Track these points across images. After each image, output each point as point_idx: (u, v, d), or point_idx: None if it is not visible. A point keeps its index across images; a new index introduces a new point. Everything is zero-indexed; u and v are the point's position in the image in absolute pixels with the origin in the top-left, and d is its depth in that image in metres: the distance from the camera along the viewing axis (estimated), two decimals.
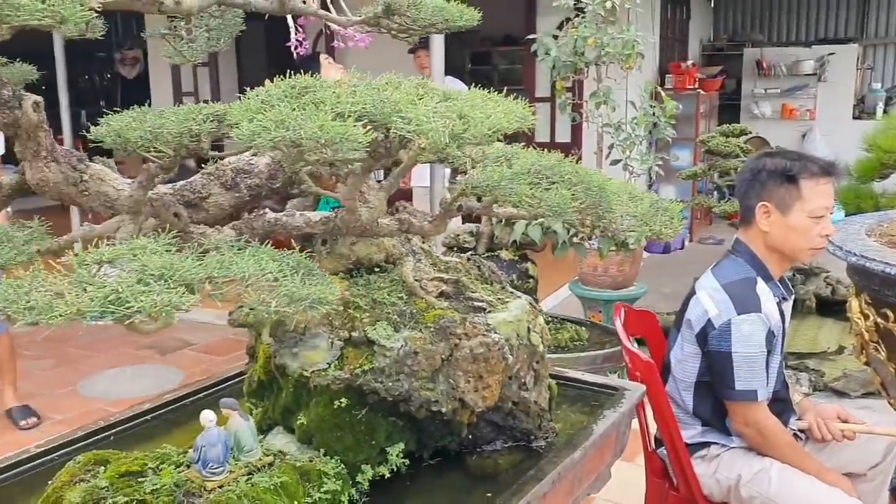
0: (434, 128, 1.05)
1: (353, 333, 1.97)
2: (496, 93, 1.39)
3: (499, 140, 1.27)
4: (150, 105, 1.52)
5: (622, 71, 4.74)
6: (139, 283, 0.90)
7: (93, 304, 0.86)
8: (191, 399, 2.53)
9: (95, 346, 6.06)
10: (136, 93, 10.65)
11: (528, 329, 2.18)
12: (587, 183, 1.43)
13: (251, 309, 1.01)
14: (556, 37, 4.93)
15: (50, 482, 1.81)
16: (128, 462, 1.84)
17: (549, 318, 3.69)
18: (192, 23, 2.06)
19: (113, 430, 2.30)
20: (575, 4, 4.75)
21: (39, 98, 1.57)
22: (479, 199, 1.54)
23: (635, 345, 2.96)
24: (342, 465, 1.94)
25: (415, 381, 1.94)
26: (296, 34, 3.63)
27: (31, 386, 5.17)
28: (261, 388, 2.16)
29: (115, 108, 1.53)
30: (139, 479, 1.76)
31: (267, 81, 1.28)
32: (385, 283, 2.13)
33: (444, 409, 1.96)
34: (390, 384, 1.92)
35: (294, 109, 1.04)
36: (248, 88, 1.25)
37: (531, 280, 3.47)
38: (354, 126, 1.02)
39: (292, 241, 2.07)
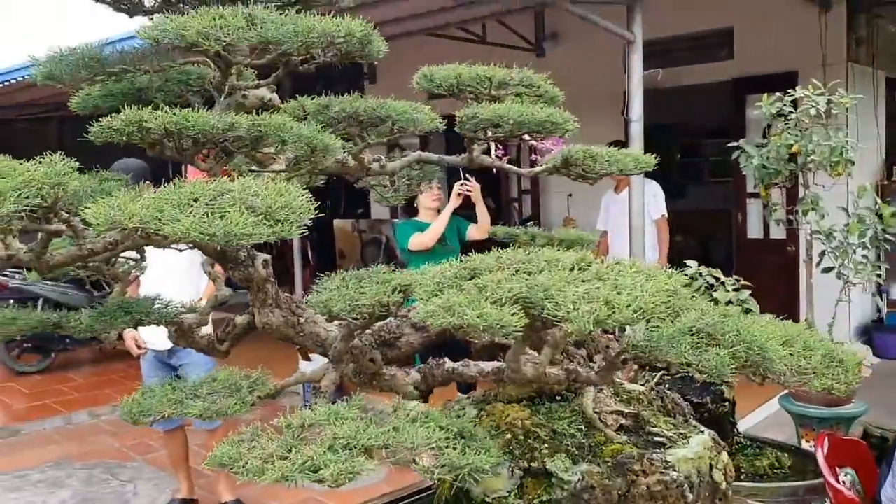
0: (579, 315, 1.17)
1: (533, 464, 2.08)
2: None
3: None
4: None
5: (831, 177, 4.57)
6: (330, 450, 1.10)
7: (293, 469, 1.07)
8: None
9: None
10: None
11: (711, 466, 2.17)
12: (749, 342, 1.47)
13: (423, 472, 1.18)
14: (760, 145, 4.86)
15: None
16: None
17: (747, 442, 3.55)
18: (394, 176, 2.35)
19: None
20: (778, 112, 4.68)
21: (267, 256, 1.88)
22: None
23: (848, 476, 2.81)
24: None
25: None
26: (495, 152, 4.09)
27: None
28: None
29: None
30: None
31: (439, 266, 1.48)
32: (566, 414, 2.23)
33: None
34: None
35: (461, 291, 1.22)
36: None
37: (726, 403, 3.38)
38: (510, 312, 1.17)
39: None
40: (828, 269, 4.87)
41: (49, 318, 1.87)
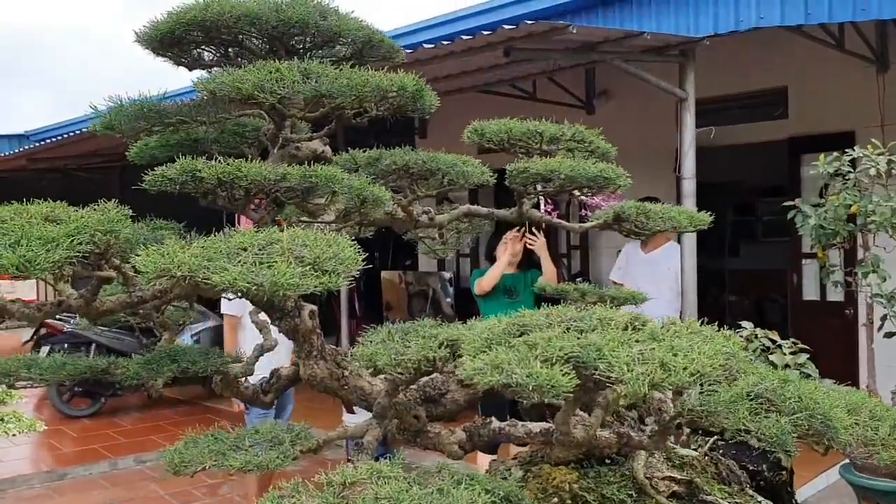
0: (634, 376, 1.13)
1: None
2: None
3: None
4: None
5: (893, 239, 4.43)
6: None
7: None
8: None
9: None
10: None
11: None
12: (812, 409, 1.40)
13: None
14: (817, 205, 4.75)
15: None
16: None
17: None
18: (442, 228, 2.34)
19: None
20: (836, 171, 4.58)
21: (314, 307, 1.87)
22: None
23: None
24: None
25: None
26: (544, 207, 4.16)
27: None
28: None
29: None
30: None
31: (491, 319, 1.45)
32: (615, 478, 2.15)
33: None
34: None
35: (510, 348, 1.18)
36: None
37: (783, 472, 3.24)
38: (560, 372, 1.14)
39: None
40: (890, 335, 4.69)
41: (98, 363, 1.88)
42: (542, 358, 1.18)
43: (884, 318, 4.69)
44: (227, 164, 1.41)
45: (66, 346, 8.53)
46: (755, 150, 9.56)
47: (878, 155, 4.55)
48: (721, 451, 3.29)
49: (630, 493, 2.10)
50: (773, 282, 11.31)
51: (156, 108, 1.69)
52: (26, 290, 12.35)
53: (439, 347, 1.39)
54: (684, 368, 1.14)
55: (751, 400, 1.45)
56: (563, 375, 1.14)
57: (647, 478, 2.11)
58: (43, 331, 8.98)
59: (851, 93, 7.92)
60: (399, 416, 1.66)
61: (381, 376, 1.82)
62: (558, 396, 1.14)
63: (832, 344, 8.72)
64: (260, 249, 1.19)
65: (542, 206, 5.48)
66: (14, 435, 3.21)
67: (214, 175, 1.39)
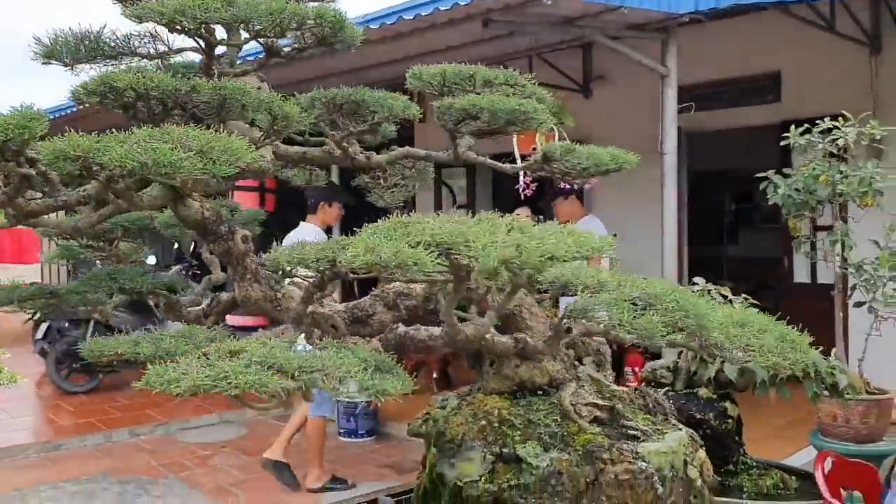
0: (486, 254, 1.23)
1: (505, 449, 2.11)
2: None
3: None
4: None
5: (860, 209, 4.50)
6: (246, 367, 1.17)
7: (206, 380, 1.15)
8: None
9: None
10: None
11: (686, 462, 2.17)
12: (687, 310, 1.50)
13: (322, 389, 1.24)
14: (788, 176, 4.82)
15: None
16: None
17: (754, 463, 3.48)
18: (387, 173, 2.44)
19: None
20: (807, 143, 4.65)
21: (247, 232, 1.98)
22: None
23: (854, 499, 2.75)
24: None
25: (558, 501, 2.02)
26: (523, 179, 4.34)
27: None
28: (426, 496, 2.35)
29: None
30: None
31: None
32: (544, 406, 2.26)
33: None
34: (533, 500, 2.02)
35: (390, 240, 1.29)
36: None
37: (730, 420, 3.33)
38: (426, 253, 1.24)
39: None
40: (859, 304, 4.77)
41: (45, 289, 1.99)
42: (412, 242, 1.29)
43: (853, 288, 4.76)
44: (142, 76, 1.52)
45: (66, 324, 8.69)
46: (750, 134, 9.60)
47: (848, 126, 4.62)
48: (672, 402, 3.40)
49: (555, 418, 2.20)
50: (771, 269, 11.34)
51: (94, 36, 1.79)
52: (30, 274, 12.60)
53: (339, 250, 1.49)
54: (536, 250, 1.24)
55: (632, 303, 1.54)
56: (429, 255, 1.24)
57: (571, 405, 2.21)
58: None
59: (844, 76, 7.95)
60: (317, 325, 1.76)
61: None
62: (421, 273, 1.24)
63: (822, 324, 8.78)
64: (151, 138, 1.30)
65: (522, 180, 5.56)
66: None
67: (129, 85, 1.50)
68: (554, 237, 1.33)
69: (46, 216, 1.61)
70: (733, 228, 13.02)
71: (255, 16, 1.68)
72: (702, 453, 2.24)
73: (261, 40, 1.83)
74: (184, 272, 8.96)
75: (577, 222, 6.10)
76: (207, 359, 1.25)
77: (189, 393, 1.20)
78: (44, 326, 8.96)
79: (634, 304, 1.54)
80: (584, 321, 1.61)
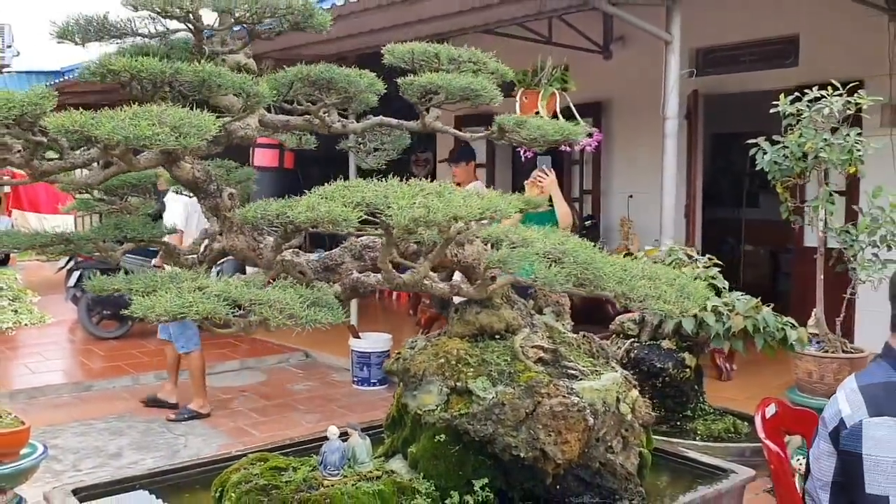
0: (399, 213, 1.52)
1: (458, 384, 2.42)
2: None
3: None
4: None
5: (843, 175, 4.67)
6: (207, 299, 1.49)
7: (175, 307, 1.46)
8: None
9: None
10: None
11: (618, 399, 2.46)
12: (587, 264, 1.78)
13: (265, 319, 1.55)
14: (777, 142, 5.00)
15: (226, 471, 2.48)
16: (279, 462, 2.45)
17: (711, 410, 3.76)
18: (365, 138, 2.73)
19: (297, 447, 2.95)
20: (798, 111, 4.82)
21: (234, 191, 2.28)
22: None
23: (795, 443, 3.01)
24: (434, 488, 2.38)
25: (500, 428, 2.33)
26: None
27: None
28: (393, 423, 2.69)
29: None
30: (281, 473, 2.36)
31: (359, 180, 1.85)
32: (498, 348, 2.56)
33: (523, 455, 2.32)
34: (479, 426, 2.34)
35: (330, 200, 1.58)
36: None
37: (687, 370, 3.61)
38: (352, 211, 1.53)
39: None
40: (840, 267, 4.98)
41: (62, 235, 2.31)
42: (343, 203, 1.58)
43: (838, 253, 4.97)
44: (133, 59, 1.81)
45: (96, 271, 9.15)
46: (768, 98, 9.68)
47: (836, 96, 4.78)
48: (636, 353, 3.69)
49: (506, 358, 2.50)
50: (789, 232, 11.43)
51: (100, 19, 2.09)
52: (64, 224, 13.19)
53: (303, 211, 1.78)
54: (440, 210, 1.53)
55: (543, 256, 1.82)
56: (354, 211, 1.54)
57: (521, 347, 2.51)
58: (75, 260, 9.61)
59: (862, 41, 8.00)
60: (287, 271, 2.07)
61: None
62: (349, 227, 1.54)
63: (826, 286, 8.94)
64: (136, 116, 1.60)
65: (522, 154, 5.75)
66: (26, 325, 3.72)
67: (121, 68, 1.79)
68: (462, 200, 1.61)
69: (59, 174, 1.93)
70: (755, 191, 13.04)
71: (233, 6, 1.96)
72: (634, 392, 2.53)
73: (244, 25, 2.12)
74: None
75: (466, 186, 6.33)
76: (180, 292, 1.57)
77: (164, 318, 1.51)
78: (76, 274, 9.43)
79: (547, 257, 1.82)
80: (501, 271, 1.90)
